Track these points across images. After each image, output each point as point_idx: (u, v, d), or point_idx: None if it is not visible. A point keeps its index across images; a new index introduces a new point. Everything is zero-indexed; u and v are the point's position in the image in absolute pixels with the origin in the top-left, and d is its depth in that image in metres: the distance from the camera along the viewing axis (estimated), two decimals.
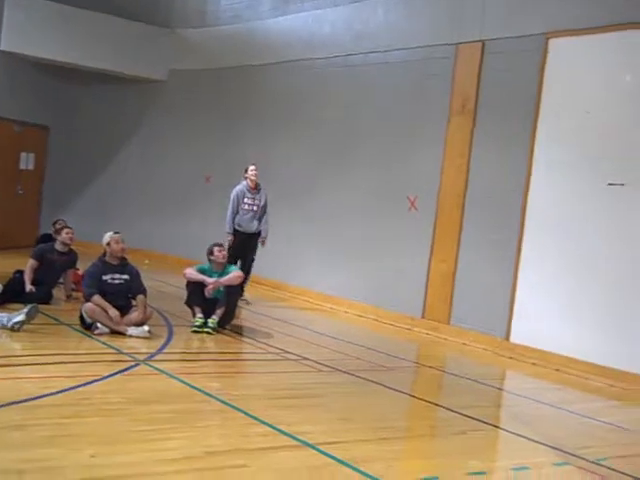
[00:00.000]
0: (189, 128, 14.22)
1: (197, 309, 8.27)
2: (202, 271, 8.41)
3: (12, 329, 7.17)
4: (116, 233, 7.92)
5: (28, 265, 8.92)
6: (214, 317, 8.20)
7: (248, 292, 10.56)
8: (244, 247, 10.35)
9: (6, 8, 13.34)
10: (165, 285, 10.32)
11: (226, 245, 9.65)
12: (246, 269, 10.23)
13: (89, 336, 7.46)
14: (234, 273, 8.41)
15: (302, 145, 12.10)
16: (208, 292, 8.26)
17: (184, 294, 8.53)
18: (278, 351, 7.67)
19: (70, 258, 9.30)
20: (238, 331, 8.47)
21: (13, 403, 4.99)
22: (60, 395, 5.31)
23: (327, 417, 5.65)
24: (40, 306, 7.74)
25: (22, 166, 14.85)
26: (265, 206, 10.49)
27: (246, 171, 10.53)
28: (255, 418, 5.29)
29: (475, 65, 9.90)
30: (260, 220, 10.47)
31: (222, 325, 8.32)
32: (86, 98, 15.38)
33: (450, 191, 10.01)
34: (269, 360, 7.40)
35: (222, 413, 5.44)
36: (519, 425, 5.94)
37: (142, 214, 14.54)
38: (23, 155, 14.82)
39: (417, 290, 10.14)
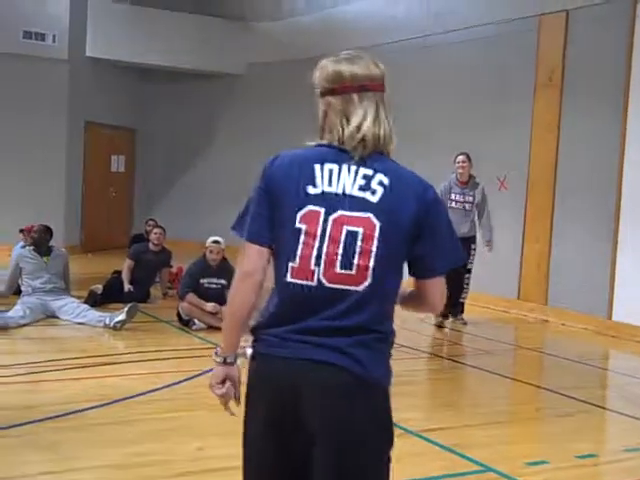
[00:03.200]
0: (271, 120, 14.30)
1: None
2: None
3: (114, 328, 7.37)
4: (215, 242, 7.89)
5: (125, 265, 9.16)
6: None
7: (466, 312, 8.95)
8: None
9: (89, 14, 13.71)
10: None
11: None
12: (459, 282, 8.31)
13: (187, 332, 7.61)
14: None
15: None
16: None
17: None
18: None
19: (164, 257, 9.50)
20: None
21: (120, 400, 5.13)
22: (164, 390, 5.43)
23: (429, 403, 5.60)
24: (139, 305, 7.94)
25: (113, 169, 15.26)
26: (483, 204, 8.64)
27: (455, 162, 8.74)
28: None
29: (560, 36, 9.59)
30: (474, 221, 8.64)
31: None
32: (168, 98, 15.65)
33: (540, 168, 9.75)
34: None
35: None
36: (627, 405, 5.75)
37: (229, 210, 14.65)
38: (114, 158, 15.22)
39: (512, 271, 9.93)
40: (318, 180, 2.05)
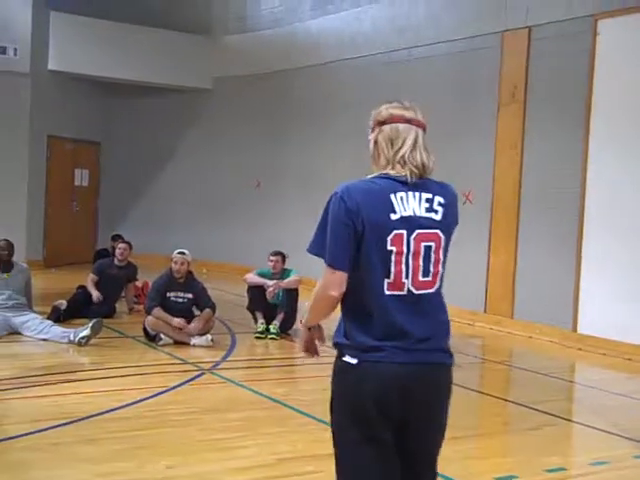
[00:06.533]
0: (237, 135, 14.28)
1: (259, 314, 8.29)
2: (262, 275, 8.42)
3: (78, 344, 7.27)
4: (180, 253, 7.86)
5: (89, 279, 9.05)
6: (275, 322, 8.21)
7: None
8: None
9: (51, 28, 13.58)
10: (224, 293, 10.36)
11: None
12: None
13: (154, 347, 7.53)
14: (294, 277, 8.39)
15: (348, 146, 12.01)
16: (269, 295, 8.26)
17: (244, 301, 8.54)
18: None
19: (129, 271, 9.39)
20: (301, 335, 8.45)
21: (85, 418, 5.05)
22: (130, 407, 5.36)
23: None
24: (104, 320, 7.84)
25: (77, 182, 15.09)
26: None
27: None
28: (324, 423, 5.23)
29: (522, 53, 9.72)
30: None
31: (284, 330, 8.32)
32: (133, 112, 15.55)
33: (505, 183, 9.84)
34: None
35: (290, 419, 5.42)
36: (594, 418, 5.80)
37: (195, 223, 14.64)
38: (77, 172, 15.06)
39: (478, 285, 9.99)
40: (396, 207, 2.49)
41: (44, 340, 7.45)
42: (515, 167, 9.72)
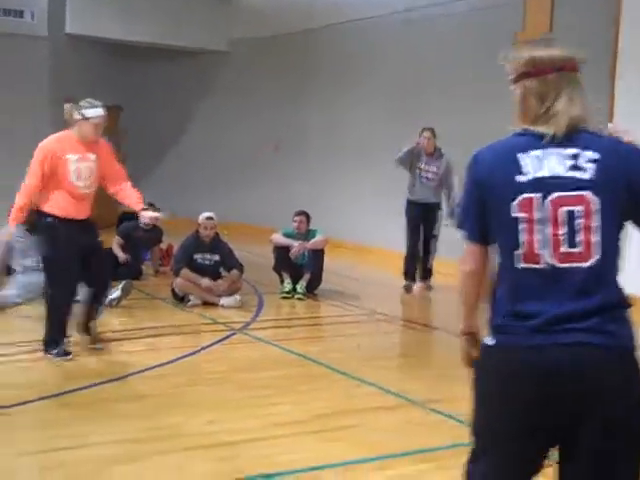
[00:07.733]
0: (256, 96, 14.21)
1: (285, 275, 8.35)
2: (287, 235, 8.47)
3: (110, 305, 7.34)
4: (209, 218, 7.91)
5: (114, 242, 9.13)
6: (302, 282, 8.27)
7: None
8: (420, 220, 9.00)
9: None
10: (249, 255, 10.40)
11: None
12: (427, 248, 9.08)
13: (183, 308, 7.62)
14: (319, 237, 8.44)
15: (370, 107, 11.95)
16: (293, 255, 8.32)
17: (269, 262, 8.60)
18: (369, 312, 7.69)
19: (155, 235, 9.46)
20: (327, 295, 8.52)
21: (124, 376, 5.16)
22: (167, 366, 5.46)
23: (428, 374, 5.65)
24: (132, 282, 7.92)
25: None
26: (447, 175, 8.81)
27: (420, 137, 9.02)
28: (358, 379, 5.33)
29: (546, 9, 9.58)
30: (439, 189, 8.93)
31: (310, 290, 8.38)
32: (152, 75, 15.50)
33: None
34: (361, 322, 7.43)
35: (324, 376, 5.50)
36: None
37: (217, 186, 14.66)
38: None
39: None
40: (525, 168, 2.13)
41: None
42: None
